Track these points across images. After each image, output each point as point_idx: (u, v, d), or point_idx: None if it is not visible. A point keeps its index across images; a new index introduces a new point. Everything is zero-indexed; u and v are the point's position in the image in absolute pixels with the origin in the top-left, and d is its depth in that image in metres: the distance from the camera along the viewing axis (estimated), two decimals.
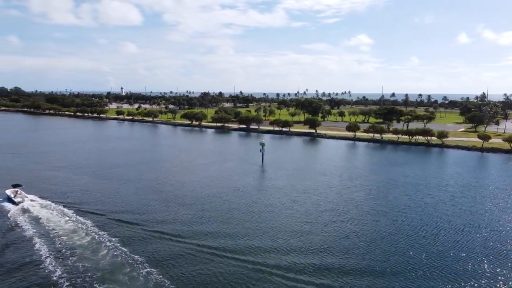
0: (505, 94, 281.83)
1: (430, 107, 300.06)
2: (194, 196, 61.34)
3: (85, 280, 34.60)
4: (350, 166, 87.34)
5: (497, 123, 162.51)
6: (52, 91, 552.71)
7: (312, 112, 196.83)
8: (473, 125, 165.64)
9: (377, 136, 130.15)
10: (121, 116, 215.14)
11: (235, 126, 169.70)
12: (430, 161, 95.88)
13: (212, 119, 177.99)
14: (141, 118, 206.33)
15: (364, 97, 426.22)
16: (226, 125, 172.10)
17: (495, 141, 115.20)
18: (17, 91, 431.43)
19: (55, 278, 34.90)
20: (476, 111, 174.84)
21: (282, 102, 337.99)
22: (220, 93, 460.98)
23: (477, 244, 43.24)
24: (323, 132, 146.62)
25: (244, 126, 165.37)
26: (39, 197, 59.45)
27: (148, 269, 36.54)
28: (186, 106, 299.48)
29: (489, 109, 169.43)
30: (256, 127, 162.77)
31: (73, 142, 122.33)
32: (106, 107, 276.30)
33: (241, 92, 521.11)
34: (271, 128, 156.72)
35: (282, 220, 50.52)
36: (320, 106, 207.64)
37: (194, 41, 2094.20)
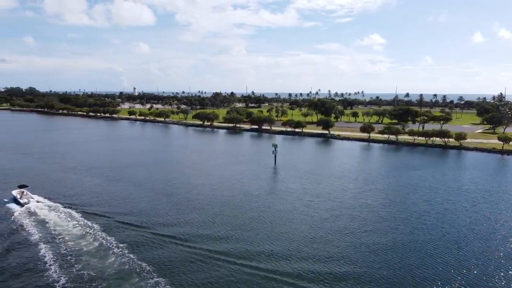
0: None
1: (445, 107, 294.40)
2: (204, 199, 59.72)
3: None
4: (365, 168, 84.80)
5: None
6: (66, 91, 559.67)
7: (325, 112, 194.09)
8: (491, 126, 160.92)
9: (392, 137, 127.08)
10: (133, 116, 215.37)
11: (247, 126, 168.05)
12: (448, 164, 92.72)
13: (223, 120, 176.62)
14: (153, 118, 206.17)
15: (377, 97, 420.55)
16: (238, 125, 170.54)
17: None
18: (31, 91, 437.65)
19: (58, 287, 33.57)
20: (494, 112, 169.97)
21: (294, 102, 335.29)
22: (232, 93, 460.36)
23: (503, 255, 40.62)
24: (336, 133, 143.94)
25: (256, 126, 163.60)
26: (46, 198, 58.75)
27: (157, 279, 34.89)
28: (198, 106, 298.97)
29: (507, 110, 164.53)
30: (268, 127, 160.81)
31: (84, 142, 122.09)
32: (119, 107, 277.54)
33: (253, 92, 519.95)
34: (283, 129, 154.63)
35: (295, 226, 48.53)
36: (333, 107, 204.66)
37: (206, 41, 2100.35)
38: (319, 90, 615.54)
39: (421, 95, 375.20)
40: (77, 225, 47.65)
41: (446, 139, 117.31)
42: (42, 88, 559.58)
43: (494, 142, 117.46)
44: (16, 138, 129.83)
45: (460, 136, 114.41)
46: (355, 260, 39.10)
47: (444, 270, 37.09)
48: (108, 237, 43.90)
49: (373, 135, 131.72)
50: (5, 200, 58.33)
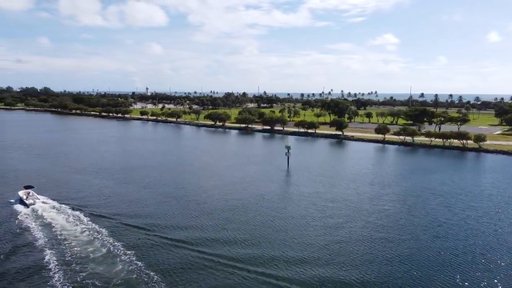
0: None
1: (461, 108, 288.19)
2: (215, 203, 57.94)
3: None
4: (381, 171, 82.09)
5: None
6: (79, 91, 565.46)
7: (338, 113, 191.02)
8: (511, 127, 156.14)
9: (408, 139, 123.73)
10: (145, 117, 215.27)
11: (259, 127, 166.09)
12: (467, 167, 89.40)
13: (235, 120, 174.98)
14: (164, 118, 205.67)
15: (391, 97, 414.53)
16: (250, 126, 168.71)
17: None
18: (46, 91, 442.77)
19: None
20: None
21: (306, 102, 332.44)
22: (244, 93, 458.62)
23: None
24: (350, 134, 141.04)
25: (268, 127, 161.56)
26: (52, 199, 58.08)
27: None
28: (210, 107, 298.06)
29: None
30: (281, 128, 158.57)
31: (95, 143, 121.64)
32: (131, 107, 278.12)
33: (265, 92, 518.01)
34: (296, 129, 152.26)
35: (309, 233, 46.36)
36: (347, 107, 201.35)
37: (218, 42, 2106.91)
38: (332, 90, 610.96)
39: (436, 95, 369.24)
40: (84, 228, 46.36)
41: (464, 141, 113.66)
42: (56, 88, 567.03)
43: None
44: (29, 138, 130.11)
45: (479, 138, 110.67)
46: (372, 270, 36.84)
47: (470, 286, 34.60)
48: (116, 243, 42.42)
49: (388, 137, 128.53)
50: (12, 200, 57.86)
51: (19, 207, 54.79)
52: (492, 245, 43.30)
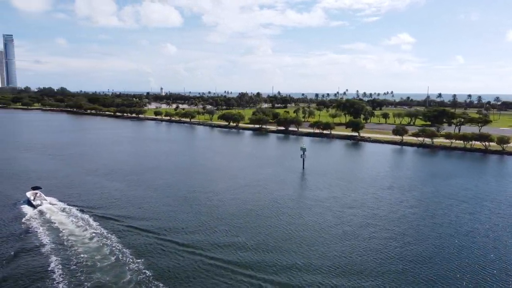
0: None
1: (481, 108, 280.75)
2: (227, 208, 55.95)
3: None
4: (400, 175, 79.02)
5: None
6: (95, 91, 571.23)
7: (354, 113, 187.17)
8: None
9: (427, 140, 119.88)
10: (158, 117, 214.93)
11: (273, 128, 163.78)
12: (491, 171, 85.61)
13: (249, 121, 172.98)
14: (178, 118, 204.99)
15: (408, 97, 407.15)
16: (264, 126, 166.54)
17: None
18: (63, 91, 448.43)
19: None
20: None
21: (321, 102, 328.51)
22: (258, 93, 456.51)
23: None
24: (366, 135, 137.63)
25: (282, 128, 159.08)
26: (60, 201, 57.28)
27: None
28: (224, 107, 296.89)
29: None
30: (295, 129, 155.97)
31: (108, 143, 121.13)
32: (145, 107, 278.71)
33: (279, 93, 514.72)
34: (311, 130, 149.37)
35: (326, 242, 43.95)
36: (363, 108, 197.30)
37: (232, 42, 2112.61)
38: (347, 90, 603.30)
39: (454, 95, 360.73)
40: (93, 234, 44.79)
41: (486, 143, 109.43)
42: (73, 88, 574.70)
43: None
44: (44, 138, 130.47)
45: (503, 140, 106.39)
46: (392, 284, 34.31)
47: None
48: (124, 249, 40.76)
49: (406, 138, 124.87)
50: (20, 201, 57.26)
51: (26, 208, 54.13)
52: None
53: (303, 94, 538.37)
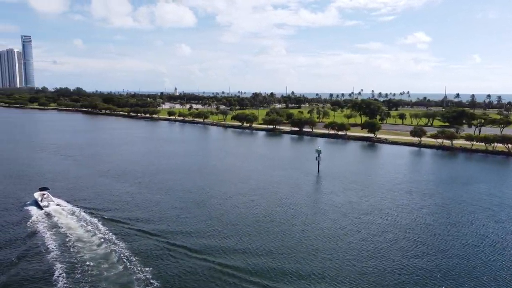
0: None
1: (500, 108, 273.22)
2: (239, 212, 54.02)
3: None
4: (419, 178, 75.91)
5: None
6: (110, 91, 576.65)
7: (369, 114, 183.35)
8: None
9: (446, 142, 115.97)
10: (172, 117, 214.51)
11: (287, 128, 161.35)
12: None
13: (263, 121, 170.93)
14: (191, 119, 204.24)
15: (425, 97, 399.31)
16: (278, 127, 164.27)
17: None
18: (79, 91, 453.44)
19: None
20: None
21: (336, 103, 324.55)
22: (271, 93, 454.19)
23: None
24: (383, 136, 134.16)
25: (296, 128, 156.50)
26: (67, 202, 56.44)
27: None
28: (237, 107, 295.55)
29: None
30: (310, 130, 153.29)
31: (121, 144, 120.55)
32: (159, 108, 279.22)
33: (293, 93, 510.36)
34: (325, 131, 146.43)
35: (341, 251, 41.56)
36: (379, 108, 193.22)
37: (246, 42, 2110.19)
38: (362, 90, 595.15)
39: (472, 95, 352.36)
40: (99, 237, 43.50)
41: (510, 145, 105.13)
42: (89, 88, 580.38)
43: None
44: (58, 138, 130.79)
45: None
46: None
47: None
48: (132, 257, 39.06)
49: (424, 140, 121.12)
50: (27, 202, 56.58)
51: (33, 210, 53.39)
52: None
53: (317, 94, 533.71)
